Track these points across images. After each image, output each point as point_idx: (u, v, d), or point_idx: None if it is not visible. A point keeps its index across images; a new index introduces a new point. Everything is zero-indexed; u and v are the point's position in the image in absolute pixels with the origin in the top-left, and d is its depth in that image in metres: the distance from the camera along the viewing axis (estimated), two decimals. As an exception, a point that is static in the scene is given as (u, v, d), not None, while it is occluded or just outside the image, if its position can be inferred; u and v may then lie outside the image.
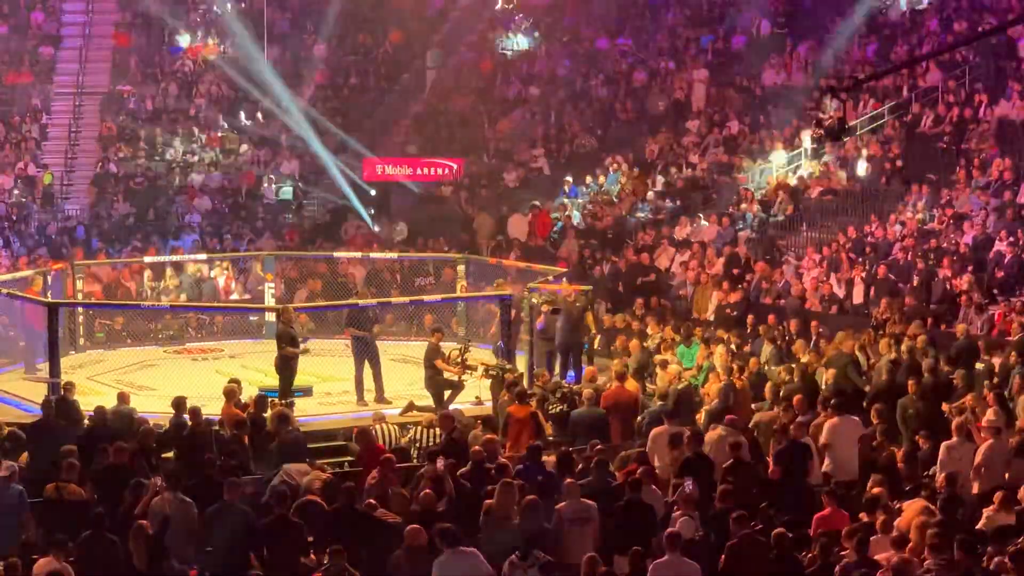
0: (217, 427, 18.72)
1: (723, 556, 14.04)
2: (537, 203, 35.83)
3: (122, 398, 19.69)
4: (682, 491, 15.16)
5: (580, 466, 16.72)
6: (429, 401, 21.78)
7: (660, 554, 13.64)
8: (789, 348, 23.76)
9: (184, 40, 42.39)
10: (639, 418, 20.18)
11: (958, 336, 22.83)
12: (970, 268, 25.84)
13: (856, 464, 17.79)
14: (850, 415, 18.55)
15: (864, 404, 20.24)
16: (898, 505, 15.55)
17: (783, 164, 34.45)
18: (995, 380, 20.39)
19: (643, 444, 18.25)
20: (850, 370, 21.73)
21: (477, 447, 17.11)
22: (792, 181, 33.26)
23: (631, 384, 21.12)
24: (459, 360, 22.03)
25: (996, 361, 21.59)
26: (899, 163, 31.56)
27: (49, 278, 27.06)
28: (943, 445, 17.38)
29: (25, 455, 17.85)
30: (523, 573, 13.46)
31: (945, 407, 19.87)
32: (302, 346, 22.02)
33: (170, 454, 18.27)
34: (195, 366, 25.87)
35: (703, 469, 16.64)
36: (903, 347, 22.24)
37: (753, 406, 20.52)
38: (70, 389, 19.96)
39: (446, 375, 21.90)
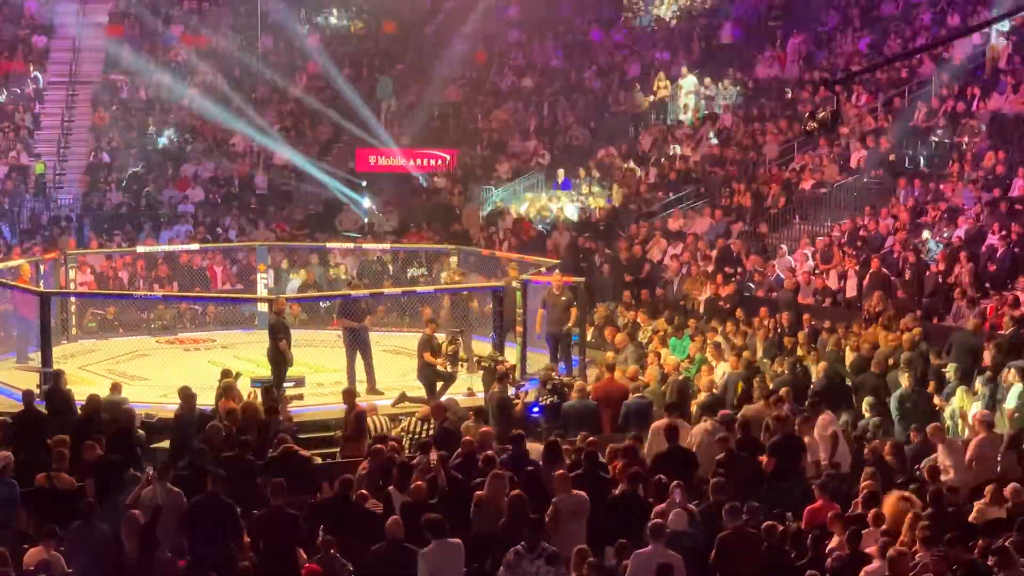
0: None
1: (714, 548, 14.07)
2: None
3: (115, 388, 19.69)
4: (675, 487, 15.16)
5: (573, 457, 16.72)
6: (422, 392, 21.82)
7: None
8: (781, 341, 23.80)
9: (177, 30, 42.35)
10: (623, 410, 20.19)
11: (953, 330, 22.88)
12: (963, 259, 25.84)
13: (849, 458, 17.81)
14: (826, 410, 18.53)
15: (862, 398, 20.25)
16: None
17: (775, 157, 34.45)
18: (987, 374, 20.42)
19: (637, 436, 18.21)
20: (839, 365, 21.76)
21: (468, 438, 17.13)
22: (784, 174, 33.26)
23: (621, 376, 21.15)
24: (448, 352, 22.05)
25: (987, 355, 21.65)
26: (892, 156, 31.55)
27: (42, 267, 27.05)
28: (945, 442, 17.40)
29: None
30: (530, 564, 13.47)
31: (937, 400, 19.92)
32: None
33: (163, 444, 18.31)
34: (187, 356, 25.89)
35: (683, 461, 16.69)
36: (897, 340, 22.30)
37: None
38: (60, 377, 19.94)
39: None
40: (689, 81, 38.48)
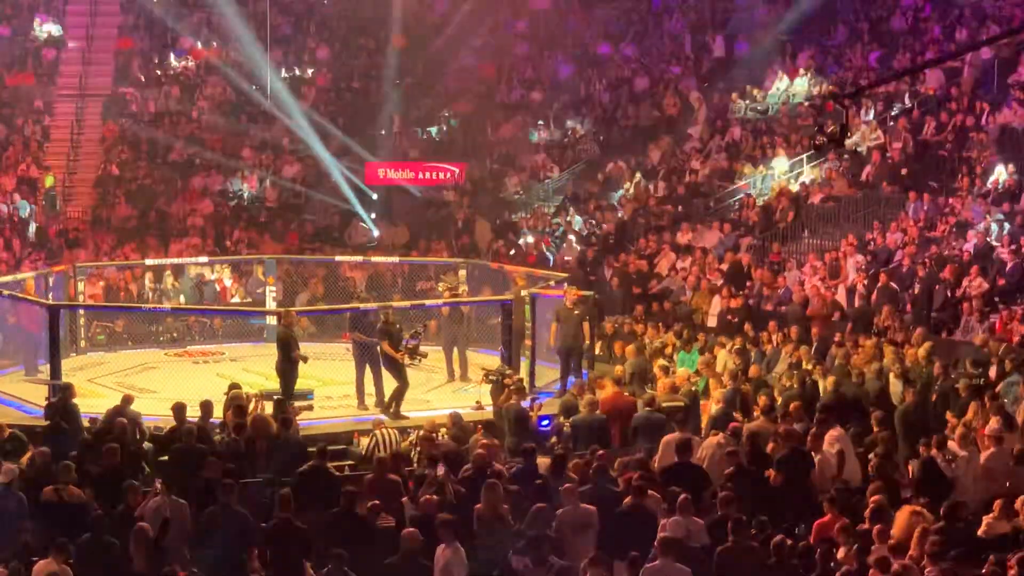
0: (218, 430, 18.80)
1: (715, 562, 14.06)
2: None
3: (126, 400, 19.71)
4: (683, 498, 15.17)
5: (582, 471, 16.70)
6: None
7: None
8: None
9: (187, 43, 42.42)
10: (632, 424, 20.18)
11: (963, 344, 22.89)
12: (973, 273, 25.79)
13: (858, 472, 17.77)
14: (835, 425, 18.48)
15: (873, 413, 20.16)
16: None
17: (785, 170, 34.45)
18: (996, 389, 20.38)
19: (649, 450, 18.21)
20: (846, 379, 21.69)
21: (480, 451, 17.11)
22: (794, 187, 33.26)
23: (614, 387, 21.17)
24: (408, 347, 22.02)
25: (994, 369, 21.62)
26: (903, 170, 31.49)
27: (50, 280, 27.08)
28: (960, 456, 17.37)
29: (26, 457, 17.79)
30: None
31: (949, 416, 19.86)
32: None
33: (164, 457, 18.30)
34: (196, 369, 25.90)
35: (692, 475, 16.68)
36: (906, 355, 22.29)
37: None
38: (69, 391, 19.95)
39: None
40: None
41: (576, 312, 23.67)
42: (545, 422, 20.72)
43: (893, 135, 32.70)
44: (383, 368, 22.18)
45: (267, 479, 17.18)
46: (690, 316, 28.40)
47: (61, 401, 19.78)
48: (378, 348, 22.47)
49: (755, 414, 20.08)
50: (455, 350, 25.05)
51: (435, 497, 15.48)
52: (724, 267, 30.04)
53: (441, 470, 16.36)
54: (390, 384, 22.82)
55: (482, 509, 15.14)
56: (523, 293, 24.51)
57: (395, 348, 22.01)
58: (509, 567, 13.86)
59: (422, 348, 22.47)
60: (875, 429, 18.83)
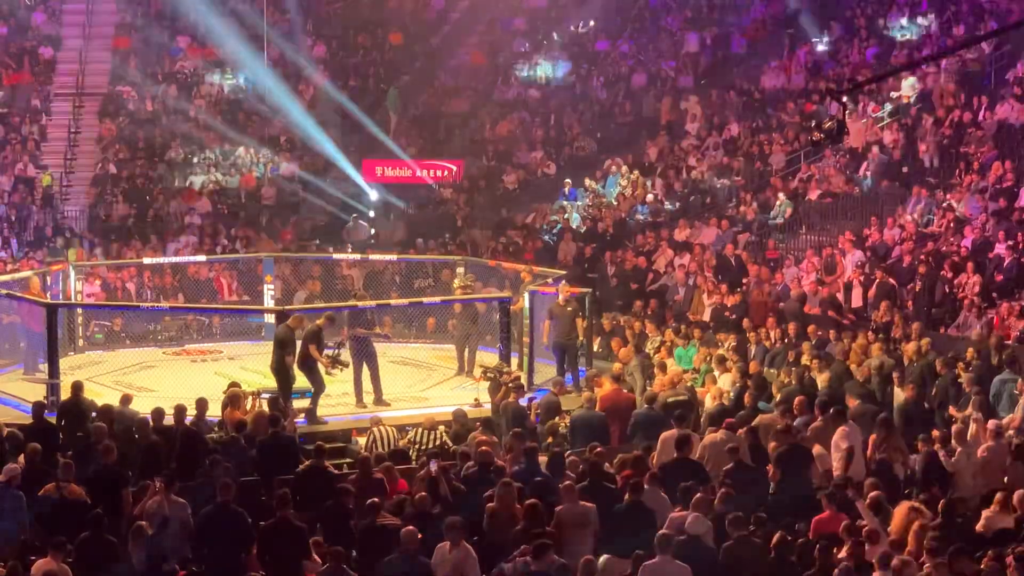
0: (216, 428, 18.80)
1: (719, 558, 14.07)
2: None
3: (125, 399, 19.70)
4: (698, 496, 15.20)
5: (580, 468, 16.72)
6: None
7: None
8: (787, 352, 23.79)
9: (184, 41, 42.39)
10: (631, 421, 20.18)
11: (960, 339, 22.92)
12: (970, 269, 25.80)
13: (863, 469, 17.77)
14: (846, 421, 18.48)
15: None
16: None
17: (782, 167, 34.45)
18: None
19: (648, 447, 18.21)
20: (844, 377, 21.68)
21: (484, 448, 17.10)
22: (791, 184, 33.27)
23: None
24: (331, 354, 21.94)
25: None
26: (905, 169, 31.51)
27: (48, 279, 27.06)
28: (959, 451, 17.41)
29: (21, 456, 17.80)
30: None
31: (952, 411, 19.89)
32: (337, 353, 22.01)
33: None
34: (194, 367, 25.88)
35: (691, 472, 16.69)
36: (907, 351, 22.31)
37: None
38: (80, 389, 19.94)
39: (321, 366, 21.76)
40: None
41: (569, 309, 23.68)
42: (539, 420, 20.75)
43: (890, 131, 32.79)
44: (307, 369, 21.95)
45: (259, 477, 17.20)
46: (683, 313, 28.41)
47: (71, 400, 19.79)
48: (372, 344, 22.49)
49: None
50: (467, 347, 25.02)
51: (428, 495, 15.50)
52: (714, 262, 30.08)
53: (435, 467, 16.36)
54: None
55: (496, 508, 15.16)
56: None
57: (319, 351, 21.82)
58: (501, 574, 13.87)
59: (343, 357, 22.37)
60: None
